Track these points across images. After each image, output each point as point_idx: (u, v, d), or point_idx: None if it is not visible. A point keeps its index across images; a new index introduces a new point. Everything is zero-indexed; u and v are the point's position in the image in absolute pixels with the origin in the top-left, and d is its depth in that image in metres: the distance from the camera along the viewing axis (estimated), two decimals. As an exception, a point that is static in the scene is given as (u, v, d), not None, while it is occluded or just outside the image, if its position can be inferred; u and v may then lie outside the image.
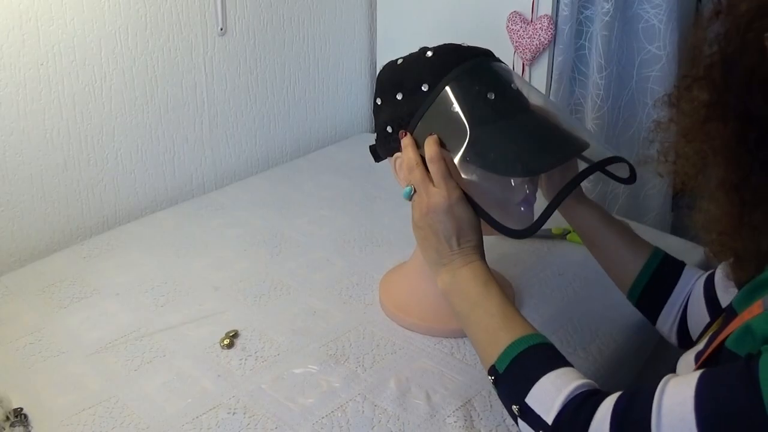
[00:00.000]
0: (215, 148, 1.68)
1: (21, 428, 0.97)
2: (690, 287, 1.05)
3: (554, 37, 1.60)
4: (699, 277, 1.06)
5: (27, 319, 1.19)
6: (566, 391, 0.80)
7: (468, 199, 0.97)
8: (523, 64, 1.63)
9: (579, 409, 0.78)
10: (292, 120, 1.83)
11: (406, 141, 1.01)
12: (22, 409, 1.00)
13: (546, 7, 1.58)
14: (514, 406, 0.84)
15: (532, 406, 0.82)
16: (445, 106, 0.98)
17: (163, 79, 1.53)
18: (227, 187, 1.67)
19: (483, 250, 0.99)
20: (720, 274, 1.00)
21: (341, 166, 1.75)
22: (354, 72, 1.96)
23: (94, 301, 1.24)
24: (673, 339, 1.07)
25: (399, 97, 1.01)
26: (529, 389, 0.82)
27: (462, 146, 0.97)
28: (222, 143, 1.69)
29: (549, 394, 0.81)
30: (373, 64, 1.98)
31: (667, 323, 1.06)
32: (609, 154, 1.02)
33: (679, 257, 1.37)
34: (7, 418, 0.98)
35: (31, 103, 1.34)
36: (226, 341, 1.13)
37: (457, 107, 0.97)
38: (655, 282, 1.06)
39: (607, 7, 1.57)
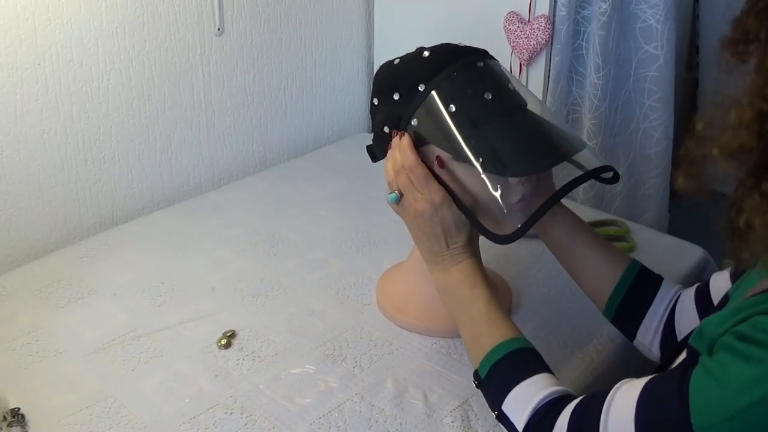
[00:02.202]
0: (212, 148, 1.68)
1: (18, 428, 0.97)
2: (670, 301, 1.02)
3: (551, 37, 1.60)
4: (679, 290, 1.03)
5: (24, 319, 1.19)
6: (536, 400, 0.83)
7: (456, 200, 0.98)
8: (521, 64, 1.64)
9: (545, 417, 0.82)
10: (290, 120, 1.83)
11: (397, 141, 1.01)
12: (19, 409, 1.00)
13: (543, 7, 1.58)
14: (494, 412, 0.88)
15: (507, 414, 0.85)
16: (438, 105, 0.98)
17: (160, 79, 1.52)
18: (224, 186, 1.67)
19: (474, 247, 1.00)
20: (721, 281, 0.97)
21: (338, 166, 1.75)
22: (351, 72, 1.95)
23: (92, 301, 1.24)
24: (654, 354, 1.03)
25: (396, 97, 1.01)
26: (505, 397, 0.86)
27: (456, 145, 0.97)
28: (219, 143, 1.69)
29: (521, 403, 0.84)
30: (370, 64, 1.98)
31: (647, 338, 1.03)
32: (597, 162, 1.02)
33: (677, 257, 1.37)
34: (5, 418, 0.98)
35: (28, 103, 1.34)
36: (224, 341, 1.13)
37: (452, 107, 0.97)
38: (633, 296, 1.03)
39: (605, 7, 1.57)
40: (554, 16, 1.59)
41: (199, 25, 1.55)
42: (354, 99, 1.98)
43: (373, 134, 1.09)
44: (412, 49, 1.06)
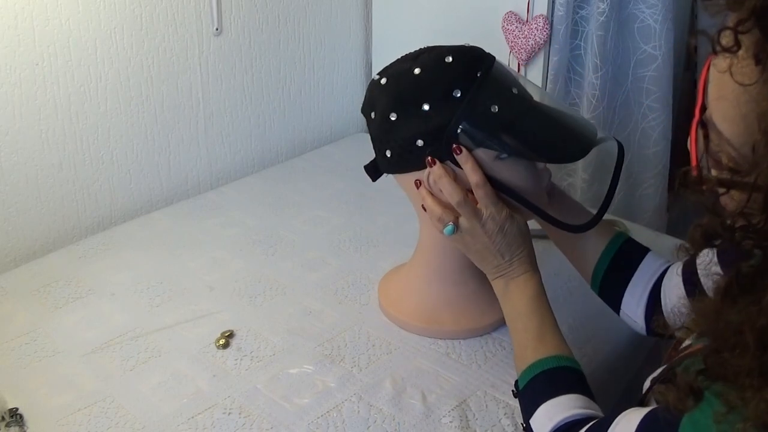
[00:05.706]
0: (211, 148, 1.68)
1: (16, 428, 0.97)
2: (655, 272, 1.01)
3: (549, 37, 1.60)
4: (667, 263, 1.02)
5: (22, 319, 1.19)
6: (555, 421, 0.84)
7: (524, 202, 0.99)
8: (519, 64, 1.64)
9: None
10: (288, 120, 1.83)
11: (464, 157, 0.97)
12: (17, 409, 1.00)
13: (541, 7, 1.58)
14: (522, 423, 0.91)
15: (533, 428, 0.87)
16: (482, 108, 0.96)
17: (158, 79, 1.52)
18: (223, 187, 1.67)
19: (534, 258, 1.01)
20: (705, 259, 0.93)
21: (337, 166, 1.75)
22: (349, 72, 1.96)
23: (90, 301, 1.24)
24: (639, 325, 1.03)
25: (426, 107, 0.97)
26: (533, 412, 0.87)
27: (511, 143, 0.98)
28: (217, 143, 1.69)
29: (543, 422, 0.86)
30: (369, 64, 1.98)
31: (630, 308, 1.03)
32: (611, 139, 1.03)
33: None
34: (3, 418, 0.98)
35: (26, 103, 1.34)
36: (222, 341, 1.13)
37: (495, 107, 0.96)
38: (616, 266, 1.04)
39: (603, 7, 1.57)
40: (552, 16, 1.59)
41: (197, 25, 1.56)
42: (352, 99, 1.99)
43: (388, 151, 1.06)
44: (410, 49, 1.05)
